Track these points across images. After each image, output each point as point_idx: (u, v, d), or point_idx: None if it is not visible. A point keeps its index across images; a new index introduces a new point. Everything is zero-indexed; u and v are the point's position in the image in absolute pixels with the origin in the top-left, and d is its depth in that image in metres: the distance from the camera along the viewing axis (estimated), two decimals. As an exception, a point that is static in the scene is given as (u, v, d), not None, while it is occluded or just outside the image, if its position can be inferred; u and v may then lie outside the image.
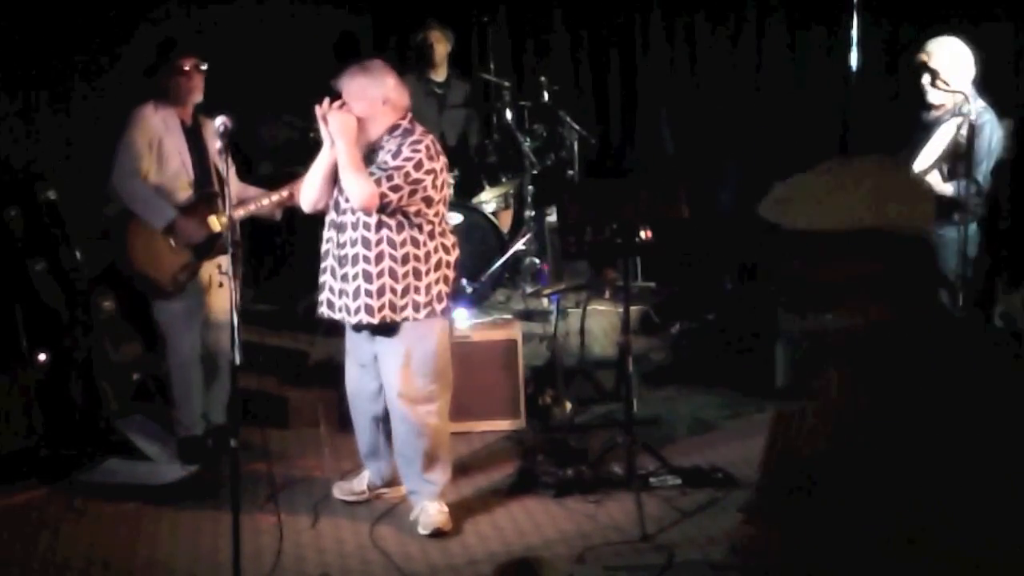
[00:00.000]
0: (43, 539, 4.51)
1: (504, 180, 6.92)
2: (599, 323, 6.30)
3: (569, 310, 6.30)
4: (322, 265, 4.47)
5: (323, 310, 4.48)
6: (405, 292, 4.30)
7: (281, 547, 4.17)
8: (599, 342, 6.22)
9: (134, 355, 5.85)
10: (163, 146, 4.95)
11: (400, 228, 4.28)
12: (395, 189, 4.19)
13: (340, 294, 4.37)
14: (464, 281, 6.38)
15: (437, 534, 4.44)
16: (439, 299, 4.38)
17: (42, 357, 5.48)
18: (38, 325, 5.51)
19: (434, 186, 4.29)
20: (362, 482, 4.78)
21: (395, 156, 4.23)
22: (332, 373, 5.61)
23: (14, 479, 5.06)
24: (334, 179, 4.35)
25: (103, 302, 5.71)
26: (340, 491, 4.81)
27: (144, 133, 4.93)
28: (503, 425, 5.61)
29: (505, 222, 6.98)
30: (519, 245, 6.64)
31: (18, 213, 5.66)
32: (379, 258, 4.27)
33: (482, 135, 7.12)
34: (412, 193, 4.23)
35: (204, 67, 5.01)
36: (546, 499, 4.75)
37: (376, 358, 4.49)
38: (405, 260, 4.29)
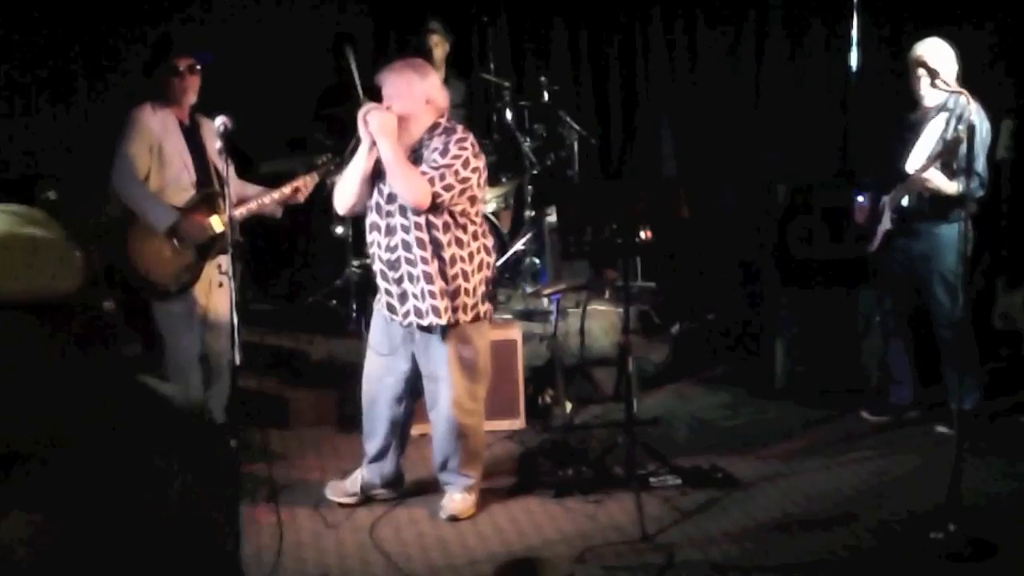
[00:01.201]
0: (43, 539, 4.50)
1: (504, 180, 6.92)
2: (599, 323, 6.30)
3: (569, 310, 6.30)
4: (374, 268, 4.47)
5: (386, 313, 4.45)
6: (456, 294, 4.31)
7: (281, 547, 4.17)
8: (599, 342, 6.22)
9: (134, 355, 5.85)
10: (163, 147, 4.93)
11: (446, 229, 4.29)
12: (448, 188, 4.20)
13: (400, 298, 4.35)
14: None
15: (452, 519, 4.52)
16: (483, 300, 4.42)
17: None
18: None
19: (479, 185, 4.33)
20: (356, 483, 4.73)
21: (443, 154, 4.24)
22: (332, 373, 5.62)
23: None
24: (372, 181, 4.34)
25: (103, 302, 5.70)
26: (333, 492, 4.75)
27: (143, 135, 4.90)
28: (503, 425, 5.60)
29: (505, 222, 6.98)
30: (519, 245, 6.64)
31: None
32: (427, 260, 4.27)
33: (478, 135, 7.11)
34: (462, 192, 4.26)
35: (199, 67, 5.00)
36: (546, 499, 4.75)
37: (411, 360, 4.47)
38: (453, 261, 4.30)
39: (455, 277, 4.31)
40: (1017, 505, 4.54)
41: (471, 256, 4.37)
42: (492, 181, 6.88)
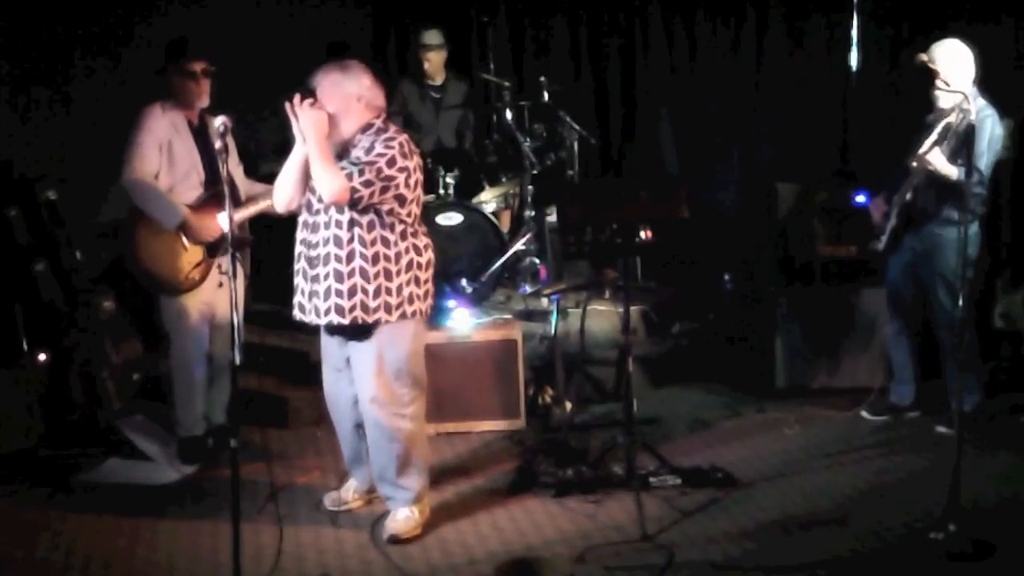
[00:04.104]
0: (43, 539, 4.51)
1: (504, 180, 6.92)
2: (599, 323, 6.30)
3: (569, 310, 6.30)
4: (295, 267, 4.41)
5: (295, 313, 4.42)
6: (377, 293, 4.24)
7: (281, 547, 4.17)
8: (599, 342, 6.22)
9: (134, 355, 5.86)
10: (173, 147, 4.96)
11: (371, 227, 4.23)
12: (367, 184, 4.12)
13: (311, 296, 4.31)
14: (464, 281, 6.37)
15: (394, 540, 4.38)
16: (410, 300, 4.31)
17: (42, 357, 5.48)
18: (38, 325, 5.51)
19: (407, 184, 4.22)
20: (348, 491, 4.72)
21: (367, 151, 4.20)
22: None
23: (14, 479, 5.06)
24: (307, 178, 4.29)
25: (103, 302, 5.71)
26: (330, 502, 4.74)
27: (153, 134, 4.93)
28: (503, 425, 5.61)
29: (505, 222, 6.99)
30: (519, 245, 6.64)
31: (18, 213, 5.66)
32: (350, 257, 4.22)
33: (478, 135, 7.12)
34: (384, 190, 4.16)
35: (212, 69, 5.01)
36: (546, 499, 4.75)
37: (349, 362, 4.44)
38: (375, 260, 4.23)
39: (376, 276, 4.23)
40: (1017, 505, 4.54)
41: (397, 256, 4.26)
42: (492, 181, 6.91)
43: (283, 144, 6.95)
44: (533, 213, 6.76)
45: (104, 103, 6.57)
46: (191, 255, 5.00)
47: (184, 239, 4.98)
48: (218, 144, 3.82)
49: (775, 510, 4.58)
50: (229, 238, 3.77)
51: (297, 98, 4.16)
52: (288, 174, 4.34)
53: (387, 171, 4.17)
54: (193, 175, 5.01)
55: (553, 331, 5.98)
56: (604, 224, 5.28)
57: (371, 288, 4.23)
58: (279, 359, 6.19)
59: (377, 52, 7.68)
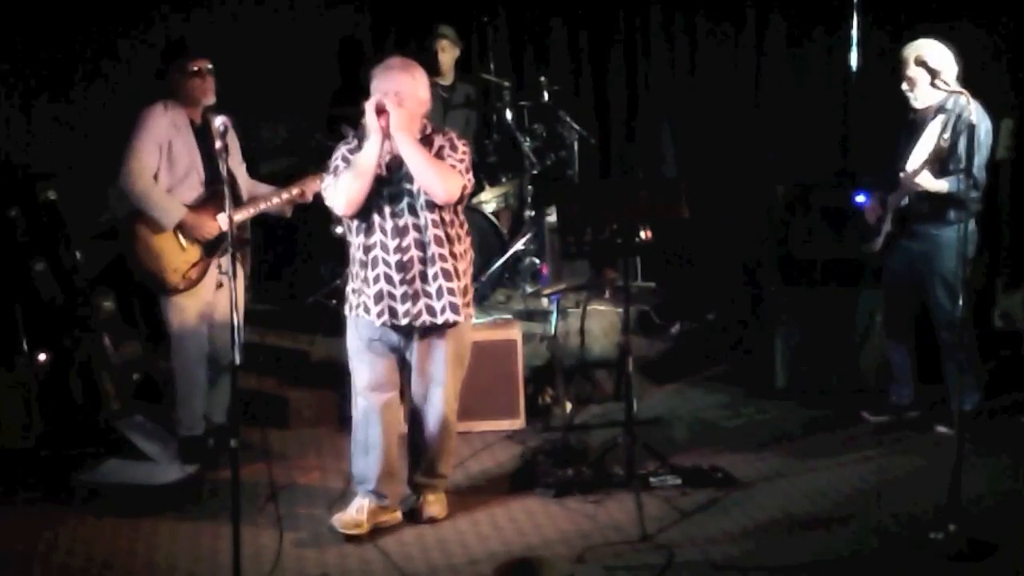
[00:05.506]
0: (43, 539, 4.51)
1: (504, 180, 6.92)
2: (599, 323, 6.30)
3: (569, 310, 6.30)
4: (369, 274, 4.30)
5: (385, 319, 4.30)
6: (458, 290, 4.36)
7: (281, 547, 4.17)
8: (599, 342, 6.22)
9: (134, 355, 5.86)
10: (173, 146, 4.96)
11: (452, 225, 4.35)
12: (470, 180, 4.31)
13: (408, 298, 4.27)
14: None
15: (431, 521, 4.51)
16: (472, 296, 4.54)
17: (42, 357, 5.48)
18: (38, 325, 5.51)
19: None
20: (363, 511, 4.42)
21: (454, 149, 4.30)
22: (332, 373, 5.62)
23: (14, 479, 5.06)
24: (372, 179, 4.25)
25: (103, 302, 5.72)
26: (341, 524, 4.42)
27: (154, 134, 4.92)
28: (503, 425, 5.61)
29: (505, 222, 6.98)
30: (519, 245, 6.64)
31: (19, 213, 5.66)
32: (443, 257, 4.29)
33: (478, 135, 7.12)
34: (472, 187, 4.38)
35: (210, 66, 5.01)
36: (546, 499, 4.75)
37: (400, 365, 4.45)
38: (460, 257, 4.37)
39: (462, 273, 4.38)
40: (1017, 505, 4.54)
41: (466, 252, 4.44)
42: (492, 181, 6.90)
43: (283, 144, 7.02)
44: (533, 213, 6.76)
45: (105, 103, 6.57)
46: (188, 254, 5.00)
47: (181, 238, 4.98)
48: (218, 144, 3.82)
49: (775, 510, 4.58)
50: (229, 238, 3.76)
51: (388, 97, 4.15)
52: (365, 174, 4.19)
53: (471, 169, 4.34)
54: (193, 175, 5.01)
55: (553, 331, 5.98)
56: (604, 224, 5.28)
57: (456, 285, 4.35)
58: (279, 359, 6.19)
59: (377, 54, 7.67)
